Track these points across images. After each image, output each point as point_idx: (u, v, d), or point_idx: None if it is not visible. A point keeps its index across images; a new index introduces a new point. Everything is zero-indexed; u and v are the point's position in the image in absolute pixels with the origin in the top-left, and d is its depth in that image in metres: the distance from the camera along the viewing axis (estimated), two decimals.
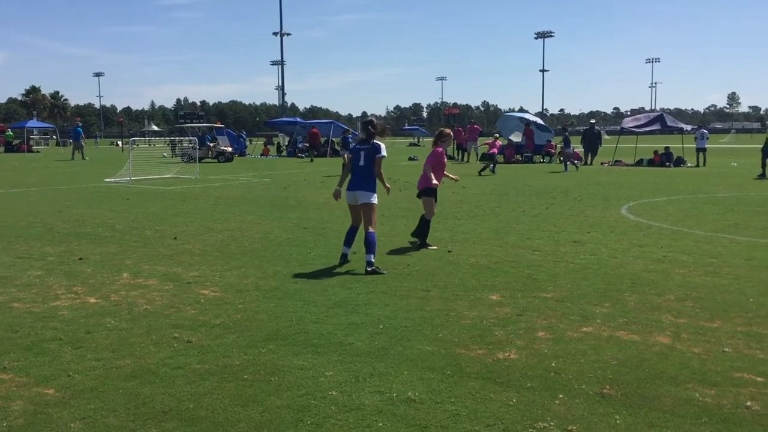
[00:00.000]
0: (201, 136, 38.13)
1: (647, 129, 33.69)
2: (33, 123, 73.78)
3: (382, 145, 8.83)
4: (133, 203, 16.26)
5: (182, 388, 4.61)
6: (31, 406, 4.33)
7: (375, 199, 8.75)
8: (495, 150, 28.54)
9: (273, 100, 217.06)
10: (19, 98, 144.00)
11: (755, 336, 5.67)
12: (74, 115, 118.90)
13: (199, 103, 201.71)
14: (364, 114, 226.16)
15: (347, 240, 8.97)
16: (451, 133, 10.82)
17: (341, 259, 8.87)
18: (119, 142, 61.10)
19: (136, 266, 8.68)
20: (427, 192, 10.19)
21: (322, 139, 45.27)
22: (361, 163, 8.77)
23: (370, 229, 8.58)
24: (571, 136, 30.27)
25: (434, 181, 10.11)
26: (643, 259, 8.95)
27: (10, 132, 59.78)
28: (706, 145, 32.18)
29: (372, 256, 8.39)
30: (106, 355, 5.29)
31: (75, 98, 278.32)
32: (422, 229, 10.08)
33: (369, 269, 8.25)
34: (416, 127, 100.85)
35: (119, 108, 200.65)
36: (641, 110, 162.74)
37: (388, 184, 9.27)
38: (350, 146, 23.60)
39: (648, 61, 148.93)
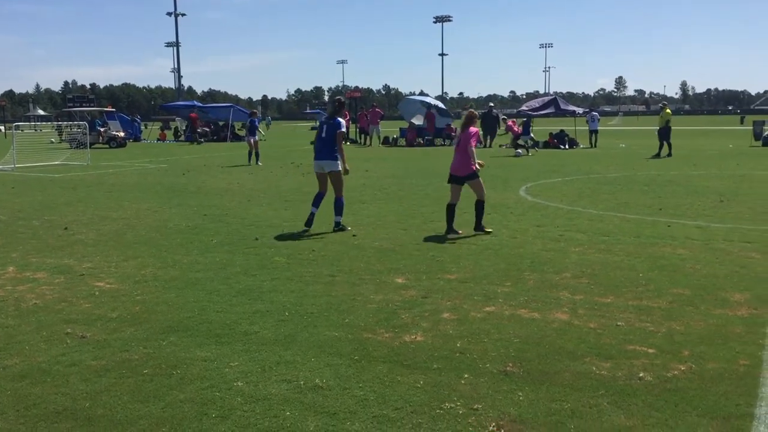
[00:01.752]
0: (91, 120, 36.38)
1: (542, 112, 34.82)
2: None
3: (342, 122, 10.10)
4: (18, 192, 15.34)
5: (77, 387, 4.38)
6: None
7: (340, 166, 9.96)
8: (518, 130, 28.70)
9: (169, 83, 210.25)
10: None
11: (645, 309, 5.97)
12: None
13: (89, 86, 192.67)
14: (265, 97, 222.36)
15: (315, 202, 10.19)
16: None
17: (309, 219, 10.01)
18: (1, 127, 57.43)
19: (24, 259, 8.18)
20: (473, 175, 9.86)
21: (221, 123, 44.22)
22: (323, 135, 10.02)
23: (340, 195, 10.07)
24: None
25: (478, 163, 9.82)
26: (541, 238, 9.25)
27: None
28: (598, 127, 33.84)
29: (340, 217, 10.00)
30: None
31: None
32: (480, 213, 9.80)
33: (336, 228, 9.87)
34: (318, 110, 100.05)
35: (1, 91, 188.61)
36: (536, 94, 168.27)
37: (348, 166, 10.22)
38: (255, 130, 23.35)
39: (542, 46, 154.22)
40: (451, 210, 9.79)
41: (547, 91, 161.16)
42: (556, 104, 34.80)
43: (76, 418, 3.93)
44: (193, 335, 5.38)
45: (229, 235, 9.64)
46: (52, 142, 35.21)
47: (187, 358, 4.89)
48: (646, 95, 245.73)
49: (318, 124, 11.14)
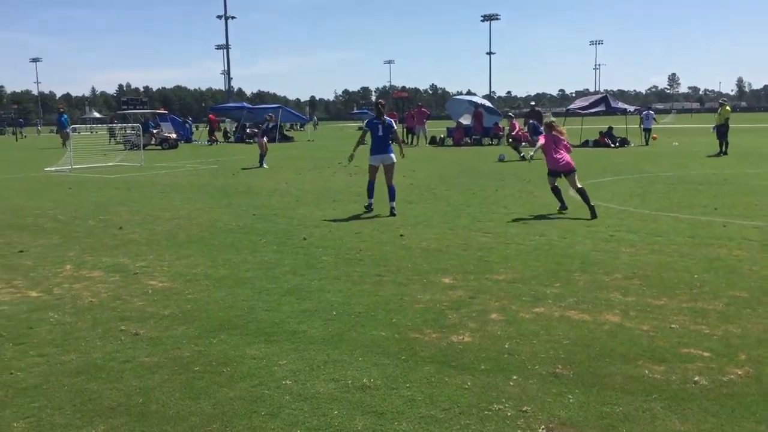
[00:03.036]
0: (144, 122, 37.22)
1: (592, 110, 34.27)
2: None
3: (393, 121, 12.26)
4: (75, 192, 15.79)
5: (131, 383, 4.48)
6: None
7: (394, 157, 12.01)
8: (520, 133, 26.79)
9: (219, 85, 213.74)
10: None
11: (700, 312, 5.82)
12: (11, 102, 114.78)
13: (142, 89, 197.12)
14: (312, 98, 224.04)
15: (370, 192, 12.09)
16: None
17: (369, 208, 11.92)
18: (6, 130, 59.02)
19: (80, 258, 8.42)
20: (574, 170, 11.56)
21: (270, 124, 44.77)
22: (380, 134, 11.95)
23: (393, 184, 11.84)
24: (516, 119, 30.33)
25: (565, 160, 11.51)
26: (591, 239, 9.10)
27: None
28: (652, 126, 33.48)
29: (394, 202, 11.65)
30: (50, 351, 5.11)
31: (11, 85, 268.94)
32: (586, 198, 11.14)
33: (394, 213, 11.42)
34: (365, 110, 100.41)
35: (59, 94, 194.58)
36: (586, 92, 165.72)
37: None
38: (267, 132, 23.60)
39: (592, 43, 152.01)
40: (557, 191, 11.66)
41: (597, 89, 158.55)
42: (606, 102, 34.20)
43: (130, 414, 4.02)
44: (242, 333, 5.46)
45: (278, 235, 9.75)
46: (109, 144, 35.87)
47: (237, 356, 4.96)
48: (700, 92, 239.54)
49: (365, 125, 12.46)
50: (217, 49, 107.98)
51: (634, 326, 5.48)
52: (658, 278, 6.95)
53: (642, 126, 33.84)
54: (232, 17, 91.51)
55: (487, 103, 39.87)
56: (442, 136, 37.45)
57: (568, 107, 37.67)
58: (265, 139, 23.35)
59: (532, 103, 39.00)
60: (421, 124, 37.36)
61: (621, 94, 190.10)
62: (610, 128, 32.57)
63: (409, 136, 38.40)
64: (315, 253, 8.46)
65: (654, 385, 4.31)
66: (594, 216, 10.72)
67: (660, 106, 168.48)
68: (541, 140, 11.91)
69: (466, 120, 37.31)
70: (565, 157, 11.59)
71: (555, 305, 6.09)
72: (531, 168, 20.46)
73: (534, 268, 7.47)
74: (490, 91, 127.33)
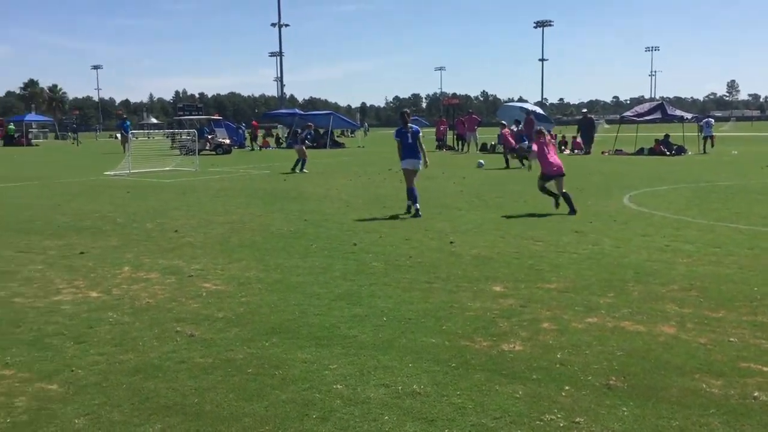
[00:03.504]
0: (199, 128, 38.00)
1: (648, 118, 33.62)
2: (32, 116, 73.62)
3: (419, 128, 13.03)
4: (133, 196, 16.23)
5: (186, 383, 4.59)
6: (34, 402, 4.31)
7: (421, 163, 12.81)
8: (512, 142, 25.77)
9: (272, 91, 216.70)
10: (18, 92, 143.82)
11: (760, 326, 5.65)
12: (72, 108, 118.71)
13: (197, 95, 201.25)
14: (363, 104, 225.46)
15: (411, 197, 12.50)
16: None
17: (416, 213, 12.20)
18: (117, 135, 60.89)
19: (138, 260, 8.65)
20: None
21: (321, 130, 45.25)
22: (410, 141, 12.71)
23: (414, 186, 12.57)
24: (567, 126, 29.95)
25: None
26: (646, 248, 8.92)
27: (12, 126, 59.70)
28: (712, 133, 33.20)
29: (418, 204, 12.33)
30: (109, 350, 5.27)
31: (73, 91, 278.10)
32: (570, 201, 12.34)
33: (419, 214, 12.10)
34: (415, 117, 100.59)
35: (118, 101, 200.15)
36: (641, 99, 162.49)
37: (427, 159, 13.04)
38: (304, 141, 24.08)
39: (647, 49, 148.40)
40: (545, 190, 12.83)
41: (652, 96, 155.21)
42: (662, 109, 33.54)
43: (185, 413, 4.12)
44: (294, 337, 5.52)
45: (329, 240, 9.83)
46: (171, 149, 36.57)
47: (289, 359, 5.02)
48: (761, 99, 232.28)
49: (395, 135, 13.07)
50: (271, 56, 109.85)
51: (691, 339, 5.35)
52: (716, 290, 6.78)
53: (702, 134, 33.32)
54: (286, 25, 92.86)
55: (539, 110, 39.50)
56: (492, 143, 37.22)
57: (623, 114, 37.00)
58: (303, 145, 23.84)
59: (584, 110, 38.54)
60: (471, 131, 37.21)
61: (677, 102, 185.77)
62: (667, 136, 31.89)
63: (459, 143, 38.30)
64: (365, 258, 8.51)
65: (711, 400, 4.20)
66: (573, 213, 12.14)
67: (719, 114, 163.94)
68: (535, 147, 13.12)
69: (517, 127, 36.88)
70: (558, 162, 12.77)
71: (608, 316, 5.99)
72: (583, 176, 20.17)
73: (587, 278, 7.37)
74: (542, 98, 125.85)
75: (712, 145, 32.76)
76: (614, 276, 7.43)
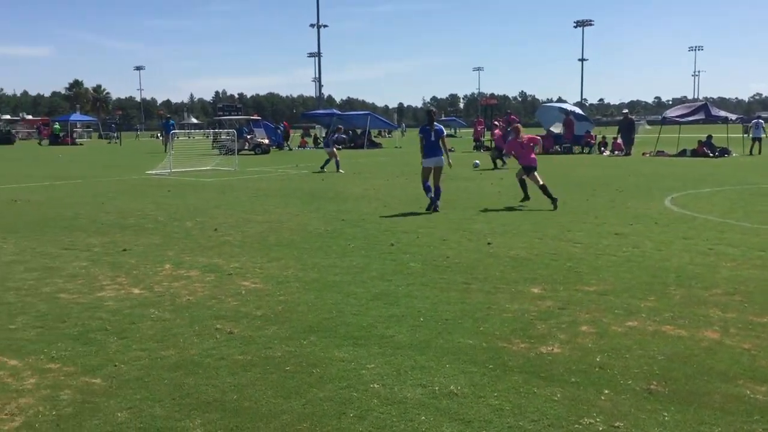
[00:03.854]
0: (238, 128, 38.44)
1: (690, 119, 32.99)
2: (76, 116, 75.30)
3: (443, 128, 13.61)
4: (174, 195, 16.49)
5: (225, 379, 4.65)
6: (79, 395, 4.42)
7: (444, 162, 13.28)
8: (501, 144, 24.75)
9: (310, 91, 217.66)
10: (63, 92, 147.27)
11: None
12: (116, 108, 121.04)
13: (237, 96, 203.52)
14: (401, 104, 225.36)
15: (427, 189, 13.20)
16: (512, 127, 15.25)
17: (434, 208, 12.85)
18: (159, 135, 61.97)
19: (178, 257, 8.79)
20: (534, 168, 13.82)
21: (358, 131, 45.41)
22: (432, 139, 13.23)
23: (440, 185, 13.20)
24: (607, 126, 29.62)
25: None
26: (688, 251, 8.76)
27: (57, 125, 61.23)
28: (762, 135, 32.47)
29: (439, 201, 12.96)
30: (151, 346, 5.37)
31: (116, 92, 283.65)
32: (525, 189, 13.65)
33: (437, 209, 12.72)
34: (453, 118, 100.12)
35: (159, 101, 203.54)
36: (683, 99, 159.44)
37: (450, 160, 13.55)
38: (334, 143, 24.80)
39: (691, 49, 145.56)
40: (523, 183, 13.81)
41: (696, 97, 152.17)
42: (706, 110, 32.88)
43: (224, 409, 4.18)
44: (331, 336, 5.56)
45: (366, 240, 9.87)
46: (213, 148, 37.06)
47: (326, 357, 5.06)
48: None
49: (419, 132, 13.80)
50: (309, 56, 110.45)
51: (735, 344, 5.24)
52: (761, 295, 6.62)
53: (751, 135, 32.58)
54: (325, 26, 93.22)
55: (578, 110, 39.01)
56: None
57: (665, 115, 36.35)
58: (333, 147, 24.56)
59: (625, 110, 37.96)
60: None
61: (721, 102, 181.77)
62: (710, 137, 31.27)
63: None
64: (402, 259, 8.52)
65: (755, 406, 4.11)
66: (526, 198, 13.54)
67: (765, 115, 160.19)
68: (512, 145, 14.50)
69: (557, 129, 36.55)
70: (534, 156, 14.08)
71: (649, 319, 5.90)
72: (624, 178, 19.89)
73: (627, 281, 7.27)
74: (581, 99, 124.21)
75: (759, 151, 31.66)
76: (655, 279, 7.31)
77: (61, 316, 6.17)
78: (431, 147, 13.23)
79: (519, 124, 15.89)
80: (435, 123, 13.43)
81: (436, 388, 4.46)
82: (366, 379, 4.63)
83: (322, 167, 24.07)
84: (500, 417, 4.01)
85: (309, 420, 4.01)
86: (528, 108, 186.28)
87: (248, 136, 38.09)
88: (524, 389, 4.42)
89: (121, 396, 4.39)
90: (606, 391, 4.37)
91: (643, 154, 32.16)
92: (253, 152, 36.86)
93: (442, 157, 13.20)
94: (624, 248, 9.03)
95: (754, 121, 34.20)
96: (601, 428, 3.86)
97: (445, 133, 13.48)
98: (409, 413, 4.08)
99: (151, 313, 6.28)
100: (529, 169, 13.73)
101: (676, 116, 33.86)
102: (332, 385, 4.53)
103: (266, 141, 38.96)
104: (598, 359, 4.95)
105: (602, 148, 34.32)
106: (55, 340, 5.53)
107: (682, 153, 31.29)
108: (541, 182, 13.49)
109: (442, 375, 4.68)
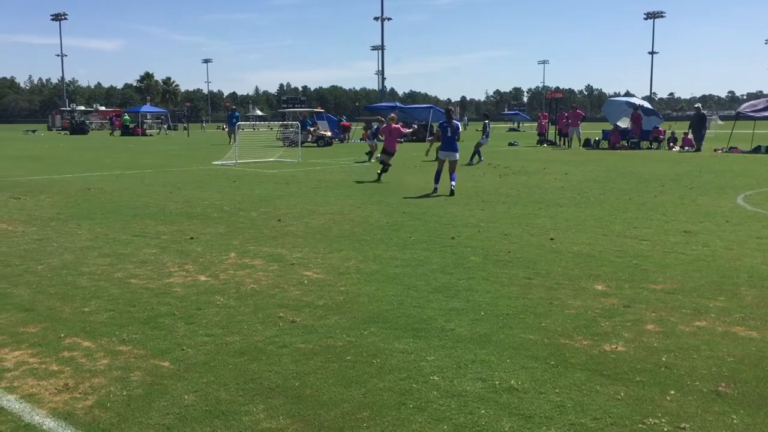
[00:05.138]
0: (302, 120, 38.89)
1: (766, 114, 31.70)
2: (147, 108, 77.42)
3: (459, 123, 15.87)
4: (239, 185, 16.83)
5: (288, 367, 4.74)
6: (148, 377, 4.58)
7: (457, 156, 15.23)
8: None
9: (373, 85, 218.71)
10: (134, 84, 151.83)
11: None
12: (185, 100, 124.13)
13: (300, 89, 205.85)
14: (463, 98, 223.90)
15: (437, 178, 14.84)
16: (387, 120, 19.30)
17: (434, 192, 14.46)
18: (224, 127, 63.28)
19: (243, 246, 8.98)
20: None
21: (421, 123, 45.34)
22: (449, 135, 15.08)
23: (455, 174, 14.98)
24: (677, 121, 28.74)
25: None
26: (761, 251, 8.45)
27: (127, 116, 63.22)
28: None
29: (454, 183, 14.68)
30: (216, 332, 5.51)
31: (185, 84, 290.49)
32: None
33: (452, 192, 14.36)
34: (516, 111, 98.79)
35: (225, 93, 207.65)
36: (759, 94, 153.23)
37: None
38: (375, 135, 26.64)
39: (767, 41, 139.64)
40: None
41: None
42: None
43: (286, 396, 4.26)
44: (391, 327, 5.59)
45: (427, 233, 9.87)
46: (277, 140, 37.59)
47: (386, 348, 5.09)
48: None
49: (438, 125, 16.14)
50: (372, 50, 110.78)
51: None
52: None
53: None
54: (388, 19, 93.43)
55: (646, 104, 37.93)
56: (597, 138, 36.16)
57: (739, 110, 35.04)
58: (374, 140, 25.91)
59: (697, 105, 36.69)
60: (575, 126, 36.23)
61: None
62: None
63: (561, 138, 37.42)
64: (463, 252, 8.49)
65: None
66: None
67: None
68: (384, 129, 18.53)
69: (624, 124, 35.63)
70: (395, 145, 18.20)
71: (719, 320, 5.73)
72: (694, 174, 19.30)
73: (695, 280, 7.06)
74: (650, 93, 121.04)
75: None
76: (726, 279, 7.08)
77: (132, 301, 6.40)
78: (447, 141, 15.07)
79: (394, 115, 19.92)
80: (453, 120, 15.33)
81: (497, 382, 4.44)
82: (426, 371, 4.65)
83: (371, 159, 25.15)
84: (561, 414, 3.97)
85: (369, 409, 4.06)
86: (594, 102, 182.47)
87: (311, 129, 38.50)
88: (586, 387, 4.36)
89: (188, 379, 4.53)
90: (672, 392, 4.27)
91: (715, 150, 31.10)
92: (316, 144, 37.23)
93: (457, 152, 15.12)
94: (693, 246, 8.77)
95: None
96: (666, 429, 3.78)
97: (460, 129, 15.52)
98: (468, 406, 4.08)
99: (217, 300, 6.44)
100: (388, 153, 17.95)
101: (751, 111, 32.58)
102: (392, 375, 4.56)
103: (329, 133, 39.29)
104: (664, 359, 4.84)
105: (671, 144, 33.34)
106: (126, 323, 5.74)
107: (757, 149, 30.10)
108: (388, 164, 17.96)
109: (502, 369, 4.66)
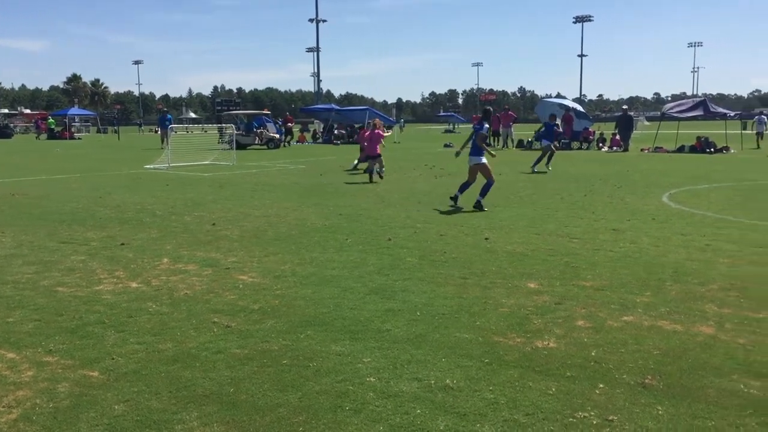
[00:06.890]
0: (248, 123, 38.38)
1: (689, 115, 33.01)
2: (74, 110, 75.03)
3: (485, 125, 13.75)
4: (172, 189, 16.49)
5: (222, 373, 4.67)
6: (76, 387, 4.43)
7: (484, 160, 13.16)
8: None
9: (309, 86, 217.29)
10: (61, 86, 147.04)
11: None
12: (114, 102, 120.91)
13: (235, 90, 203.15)
14: (399, 100, 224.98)
15: (461, 189, 13.22)
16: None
17: (454, 200, 13.01)
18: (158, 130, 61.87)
19: (176, 252, 8.80)
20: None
21: (357, 126, 45.36)
22: (474, 138, 13.39)
23: (491, 180, 13.06)
24: (605, 122, 29.77)
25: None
26: (685, 247, 8.79)
27: (51, 120, 61.10)
28: (765, 130, 33.99)
29: (482, 198, 12.67)
30: (148, 339, 5.38)
31: (115, 86, 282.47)
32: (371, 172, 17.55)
33: (476, 206, 12.52)
34: (451, 113, 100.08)
35: (157, 95, 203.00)
36: (682, 96, 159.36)
37: (493, 153, 13.85)
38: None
39: (690, 45, 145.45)
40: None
41: (695, 93, 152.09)
42: (704, 106, 32.87)
43: (221, 402, 4.20)
44: (328, 330, 5.58)
45: (363, 235, 9.88)
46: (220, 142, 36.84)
47: (323, 351, 5.08)
48: None
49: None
50: (308, 51, 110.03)
51: (730, 339, 5.27)
52: (757, 291, 6.65)
53: (754, 130, 33.79)
54: (324, 20, 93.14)
55: (578, 107, 38.98)
56: (529, 139, 36.92)
57: (664, 111, 36.35)
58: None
59: (624, 106, 37.92)
60: (507, 127, 36.93)
61: (721, 99, 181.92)
62: (707, 138, 31.38)
63: (495, 138, 38.05)
64: (399, 253, 8.54)
65: (750, 401, 4.14)
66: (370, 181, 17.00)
67: (766, 111, 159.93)
68: (361, 137, 20.03)
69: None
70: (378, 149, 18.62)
71: (645, 314, 5.93)
72: (622, 174, 19.92)
73: (623, 276, 7.29)
74: (580, 95, 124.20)
75: (758, 145, 32.47)
76: (652, 275, 7.33)
77: (59, 310, 6.18)
78: (473, 146, 13.39)
79: (377, 119, 21.26)
80: (483, 122, 13.66)
81: (432, 381, 4.48)
82: (362, 372, 4.65)
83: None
84: (495, 411, 4.04)
85: (305, 413, 4.03)
86: (527, 103, 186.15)
87: (260, 131, 37.96)
88: (519, 383, 4.44)
89: (118, 389, 4.41)
90: (601, 385, 4.39)
91: (642, 150, 32.16)
92: (265, 147, 36.83)
93: (476, 156, 13.17)
94: (621, 244, 9.05)
95: (757, 116, 35.67)
96: (595, 422, 3.88)
97: (483, 131, 13.47)
98: (404, 406, 4.10)
99: (149, 306, 6.29)
100: (372, 157, 18.46)
101: (675, 112, 33.87)
102: (328, 378, 4.55)
103: (277, 136, 38.87)
104: (593, 354, 4.97)
105: (601, 144, 34.34)
106: (52, 333, 5.55)
107: (681, 149, 31.31)
108: (373, 166, 18.34)
109: (437, 369, 4.71)
